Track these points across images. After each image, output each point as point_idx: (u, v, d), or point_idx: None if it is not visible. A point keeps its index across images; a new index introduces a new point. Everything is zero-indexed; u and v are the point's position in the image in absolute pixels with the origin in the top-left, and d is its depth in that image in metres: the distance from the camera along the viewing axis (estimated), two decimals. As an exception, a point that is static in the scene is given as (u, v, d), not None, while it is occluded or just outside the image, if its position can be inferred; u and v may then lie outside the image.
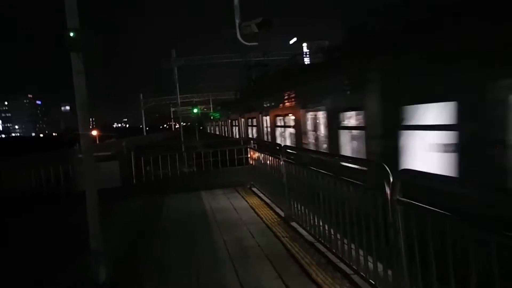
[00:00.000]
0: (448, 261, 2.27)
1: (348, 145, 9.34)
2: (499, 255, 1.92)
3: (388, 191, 2.82)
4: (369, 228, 3.25)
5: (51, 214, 7.58)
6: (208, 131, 41.47)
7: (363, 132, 8.18)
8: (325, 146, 10.65)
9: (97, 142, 39.06)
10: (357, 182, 3.46)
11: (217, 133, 28.70)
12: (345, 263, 3.79)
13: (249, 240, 5.11)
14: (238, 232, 5.50)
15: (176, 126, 69.84)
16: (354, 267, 3.59)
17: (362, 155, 8.08)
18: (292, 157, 5.67)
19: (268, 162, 6.95)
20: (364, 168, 3.51)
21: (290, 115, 13.35)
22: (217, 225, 5.92)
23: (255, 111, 16.52)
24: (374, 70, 7.04)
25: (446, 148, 5.50)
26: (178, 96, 33.64)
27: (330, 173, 4.05)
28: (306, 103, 11.66)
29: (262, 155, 7.49)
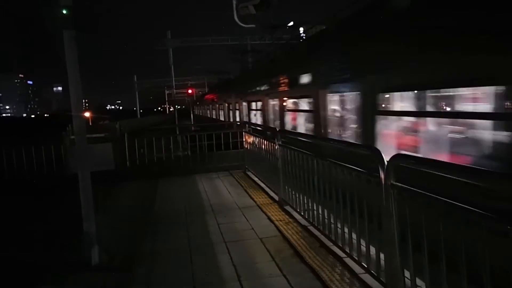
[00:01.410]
0: (440, 245, 2.30)
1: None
2: (489, 239, 1.95)
3: (382, 175, 2.83)
4: (363, 212, 3.27)
5: (44, 198, 7.54)
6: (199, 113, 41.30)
7: None
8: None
9: (90, 124, 38.69)
10: (352, 166, 3.46)
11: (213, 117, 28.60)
12: (338, 247, 3.83)
13: (243, 223, 5.14)
14: (232, 215, 5.53)
15: (171, 109, 69.32)
16: (347, 250, 3.62)
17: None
18: (287, 141, 5.66)
19: (263, 146, 6.94)
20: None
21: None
22: (211, 208, 5.94)
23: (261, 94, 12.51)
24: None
25: None
26: (173, 78, 33.32)
27: (325, 157, 4.05)
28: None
29: (257, 139, 7.47)
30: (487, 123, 3.94)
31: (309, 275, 3.49)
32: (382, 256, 2.99)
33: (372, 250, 3.17)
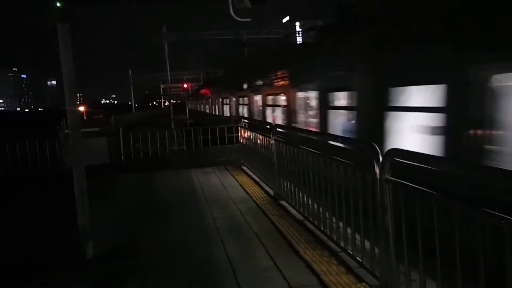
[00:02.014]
0: (434, 239, 2.32)
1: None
2: (483, 232, 1.97)
3: (377, 170, 2.84)
4: (358, 207, 3.28)
5: (39, 193, 7.50)
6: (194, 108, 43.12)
7: None
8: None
9: (85, 118, 38.48)
10: (347, 161, 3.47)
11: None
12: (333, 241, 3.85)
13: (238, 218, 5.14)
14: (228, 210, 5.53)
15: (166, 104, 69.06)
16: (341, 244, 3.64)
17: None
18: (282, 136, 5.67)
19: (258, 141, 6.93)
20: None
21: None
22: (206, 203, 5.94)
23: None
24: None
25: None
26: (168, 72, 33.15)
27: (320, 152, 4.06)
28: None
29: (253, 134, 7.47)
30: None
31: (304, 269, 3.50)
32: (376, 250, 3.01)
33: (367, 244, 3.19)
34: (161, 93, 55.66)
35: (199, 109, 38.13)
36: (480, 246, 1.97)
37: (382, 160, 2.81)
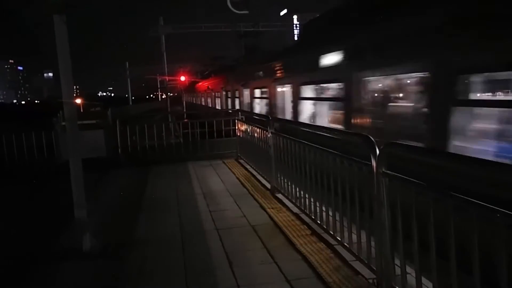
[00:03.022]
0: (430, 232, 2.33)
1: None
2: (479, 226, 1.98)
3: (373, 163, 2.85)
4: (354, 200, 3.29)
5: (36, 186, 7.48)
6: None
7: None
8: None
9: (81, 111, 38.34)
10: (344, 155, 3.47)
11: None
12: (329, 234, 3.86)
13: (235, 210, 5.15)
14: (224, 202, 5.54)
15: (163, 97, 68.84)
16: (338, 238, 3.66)
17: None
18: (279, 129, 5.66)
19: (255, 134, 6.93)
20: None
21: None
22: (203, 196, 5.94)
23: None
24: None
25: None
26: (165, 65, 32.96)
27: (317, 145, 4.06)
28: None
29: (250, 127, 7.45)
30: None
31: (300, 262, 3.52)
32: (372, 243, 3.02)
33: (363, 237, 3.20)
34: (158, 86, 55.44)
35: (192, 101, 38.83)
36: (475, 239, 1.98)
37: (379, 153, 2.81)
